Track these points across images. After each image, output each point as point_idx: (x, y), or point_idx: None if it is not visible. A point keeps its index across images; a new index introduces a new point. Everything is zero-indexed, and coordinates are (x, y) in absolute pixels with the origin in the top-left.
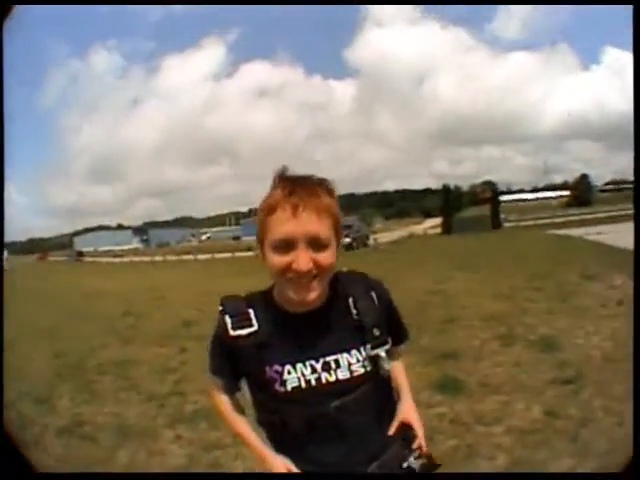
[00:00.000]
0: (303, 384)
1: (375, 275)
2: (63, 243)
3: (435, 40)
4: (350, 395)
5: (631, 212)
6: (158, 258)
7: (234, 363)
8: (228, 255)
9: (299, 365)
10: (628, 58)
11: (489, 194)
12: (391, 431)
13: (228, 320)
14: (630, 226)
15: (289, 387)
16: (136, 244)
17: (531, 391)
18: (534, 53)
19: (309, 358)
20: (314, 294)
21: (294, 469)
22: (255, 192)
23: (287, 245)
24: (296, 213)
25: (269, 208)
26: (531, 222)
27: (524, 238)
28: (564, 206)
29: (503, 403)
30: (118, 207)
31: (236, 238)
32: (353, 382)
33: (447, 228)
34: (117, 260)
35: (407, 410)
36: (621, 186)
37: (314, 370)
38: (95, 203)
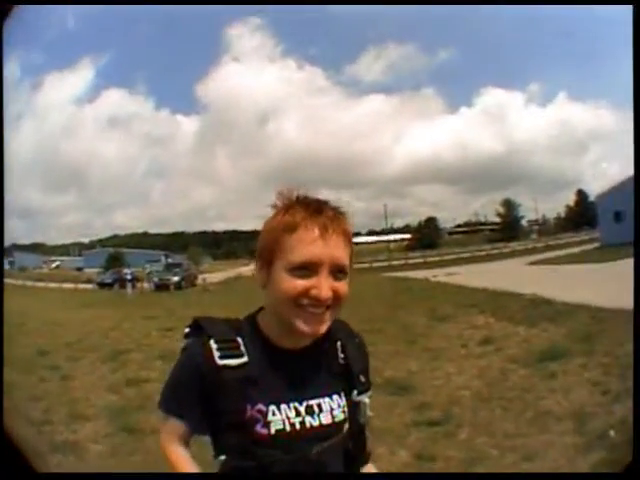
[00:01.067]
0: (288, 427)
1: (203, 314)
2: None
3: (288, 80)
4: (329, 440)
5: (485, 253)
6: (19, 282)
7: (206, 400)
8: (72, 286)
9: (283, 406)
10: (503, 100)
11: None
12: None
13: (214, 346)
14: (486, 266)
15: (273, 430)
16: (5, 265)
17: (391, 435)
18: (393, 96)
19: (293, 400)
20: (325, 326)
21: None
22: (95, 223)
23: (308, 269)
24: (325, 235)
25: (289, 226)
26: (366, 265)
27: (359, 280)
28: (406, 250)
29: None
30: None
31: (79, 269)
32: (333, 428)
33: None
34: None
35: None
36: (476, 227)
37: (298, 413)
38: None
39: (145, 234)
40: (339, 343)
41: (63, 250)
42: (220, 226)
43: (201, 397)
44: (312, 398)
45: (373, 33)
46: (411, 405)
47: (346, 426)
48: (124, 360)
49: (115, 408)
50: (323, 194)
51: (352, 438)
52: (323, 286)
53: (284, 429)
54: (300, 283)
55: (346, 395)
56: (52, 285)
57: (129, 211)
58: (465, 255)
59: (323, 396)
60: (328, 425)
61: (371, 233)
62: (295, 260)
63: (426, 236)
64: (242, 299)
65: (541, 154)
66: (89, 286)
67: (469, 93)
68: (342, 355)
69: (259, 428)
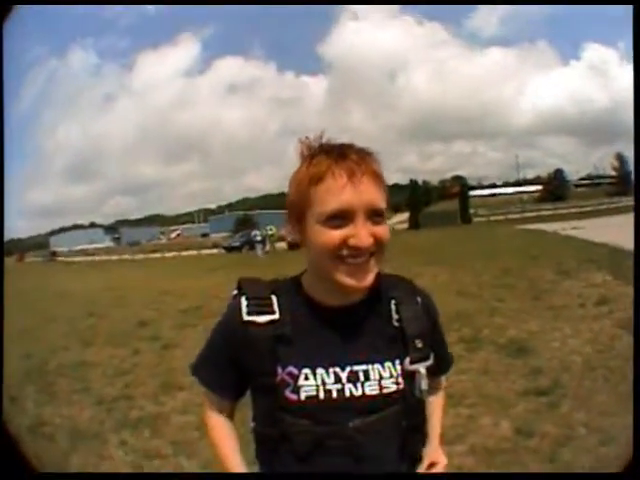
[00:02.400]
0: (321, 394)
1: None
2: (40, 243)
3: (410, 35)
4: (374, 415)
5: (605, 207)
6: (127, 257)
7: (239, 360)
8: (194, 252)
9: (320, 371)
10: (608, 53)
11: (458, 189)
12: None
13: (244, 302)
14: (607, 220)
15: (303, 396)
16: (108, 242)
17: (500, 404)
18: (511, 49)
19: (333, 364)
20: (371, 276)
21: None
22: (224, 189)
23: (343, 217)
24: (353, 179)
25: (314, 176)
26: (502, 217)
27: (494, 233)
28: (537, 201)
29: (467, 418)
30: (92, 205)
31: (205, 235)
32: (380, 400)
33: (414, 223)
34: (89, 259)
35: (435, 454)
36: (598, 181)
37: (338, 379)
38: (70, 202)
39: (281, 194)
40: (393, 302)
41: (187, 218)
42: None
43: (231, 360)
44: (358, 364)
45: None
46: (526, 370)
47: (400, 400)
48: None
49: None
50: (458, 145)
51: (406, 414)
52: (361, 233)
53: (317, 396)
54: (337, 233)
55: (402, 363)
56: (169, 255)
57: (262, 173)
58: (589, 209)
59: (372, 362)
60: (374, 396)
61: (506, 184)
62: (327, 210)
63: (556, 188)
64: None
65: None
66: (214, 251)
67: (576, 45)
68: (396, 316)
69: (288, 393)
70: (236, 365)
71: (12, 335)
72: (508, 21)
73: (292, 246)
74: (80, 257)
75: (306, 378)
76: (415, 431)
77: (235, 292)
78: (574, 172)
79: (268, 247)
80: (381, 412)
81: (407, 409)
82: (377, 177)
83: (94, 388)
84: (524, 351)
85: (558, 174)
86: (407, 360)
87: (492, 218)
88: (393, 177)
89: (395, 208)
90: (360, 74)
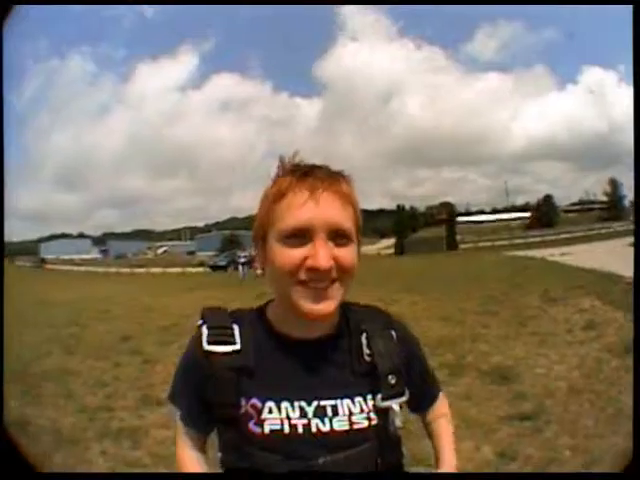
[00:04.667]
0: (286, 429)
1: None
2: (28, 248)
3: (408, 58)
4: (345, 452)
5: (595, 232)
6: (112, 270)
7: (203, 391)
8: (179, 270)
9: (284, 404)
10: (608, 77)
11: (445, 215)
12: None
13: (205, 332)
14: (597, 246)
15: (267, 429)
16: (95, 254)
17: (482, 429)
18: (508, 74)
19: (299, 398)
20: (332, 304)
21: None
22: (211, 207)
23: (301, 235)
24: (314, 196)
25: (276, 194)
26: (489, 243)
27: (480, 259)
28: (525, 227)
29: None
30: (81, 215)
31: (190, 253)
32: (351, 436)
33: (400, 249)
34: (76, 269)
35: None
36: (589, 206)
37: (303, 414)
38: (60, 210)
39: None
40: (364, 335)
41: (174, 235)
42: None
43: (196, 391)
44: (326, 398)
45: (484, 10)
46: (509, 396)
47: (373, 437)
48: None
49: None
50: (448, 171)
51: (380, 451)
52: (319, 253)
53: (282, 430)
54: (295, 252)
55: (373, 399)
56: (155, 270)
57: (248, 193)
58: (578, 234)
59: (342, 397)
60: (343, 432)
61: (494, 211)
62: (285, 228)
63: (544, 215)
64: (358, 278)
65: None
66: (200, 269)
67: (573, 71)
68: (368, 351)
69: (252, 426)
70: (201, 396)
71: None
72: (507, 45)
73: None
74: (68, 266)
75: (270, 411)
76: (390, 467)
77: (199, 322)
78: (564, 198)
79: (259, 270)
80: (353, 449)
81: (381, 446)
82: (344, 196)
83: (76, 395)
84: (508, 378)
85: (547, 200)
86: (379, 396)
87: (479, 245)
88: (380, 202)
89: (382, 234)
90: (354, 97)
